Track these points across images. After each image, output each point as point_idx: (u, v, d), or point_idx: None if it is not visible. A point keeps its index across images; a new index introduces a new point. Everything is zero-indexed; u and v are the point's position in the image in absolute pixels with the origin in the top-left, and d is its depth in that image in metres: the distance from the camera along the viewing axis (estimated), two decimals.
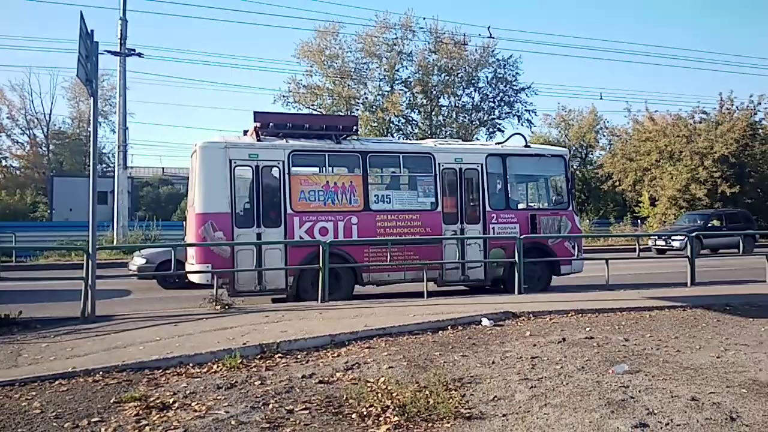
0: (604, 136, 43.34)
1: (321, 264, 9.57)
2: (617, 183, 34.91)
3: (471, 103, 36.64)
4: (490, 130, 36.84)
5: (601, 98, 40.63)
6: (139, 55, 23.12)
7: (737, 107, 33.05)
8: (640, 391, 4.78)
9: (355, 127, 11.45)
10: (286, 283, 10.19)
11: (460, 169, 11.41)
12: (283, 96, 34.65)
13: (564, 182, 12.32)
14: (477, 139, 35.11)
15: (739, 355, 6.04)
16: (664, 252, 22.10)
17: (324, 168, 10.90)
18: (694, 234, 14.17)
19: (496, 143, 13.48)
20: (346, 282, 10.55)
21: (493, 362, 5.88)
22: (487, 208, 11.44)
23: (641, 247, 22.01)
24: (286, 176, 10.24)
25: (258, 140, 10.43)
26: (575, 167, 39.17)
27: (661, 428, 3.97)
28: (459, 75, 35.15)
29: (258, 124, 10.48)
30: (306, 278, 10.28)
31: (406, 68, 35.46)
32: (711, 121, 33.15)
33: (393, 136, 36.18)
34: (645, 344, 6.60)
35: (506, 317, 8.29)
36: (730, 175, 30.63)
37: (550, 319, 8.19)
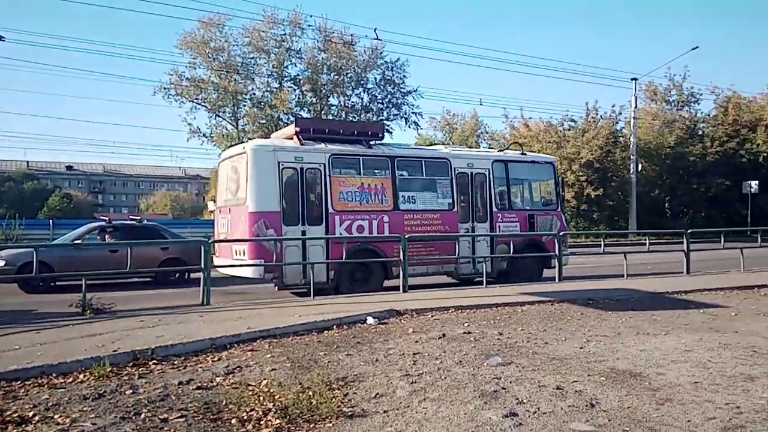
0: (484, 140, 45.57)
1: (202, 264, 9.25)
2: None
3: (360, 104, 36.98)
4: None
5: (481, 104, 42.80)
6: (0, 38, 21.06)
7: (601, 116, 36.06)
8: (511, 382, 5.07)
9: (381, 134, 12.50)
10: (327, 277, 10.92)
11: (471, 173, 12.70)
12: (164, 88, 33.10)
13: (553, 186, 13.93)
14: None
15: (600, 346, 6.57)
16: None
17: (359, 171, 11.62)
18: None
19: (498, 150, 15.08)
20: (377, 275, 11.43)
21: (377, 360, 5.98)
22: (494, 209, 12.81)
23: None
24: (328, 178, 11.09)
25: (301, 144, 11.14)
26: None
27: (529, 416, 4.24)
28: (348, 75, 35.33)
29: (299, 129, 11.31)
30: (344, 272, 11.04)
31: (295, 65, 35.13)
32: (578, 129, 35.91)
33: None
34: (517, 337, 7.01)
35: (391, 315, 8.47)
36: (594, 179, 33.34)
37: (432, 316, 8.47)
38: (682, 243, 14.19)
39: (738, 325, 7.71)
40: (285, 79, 34.85)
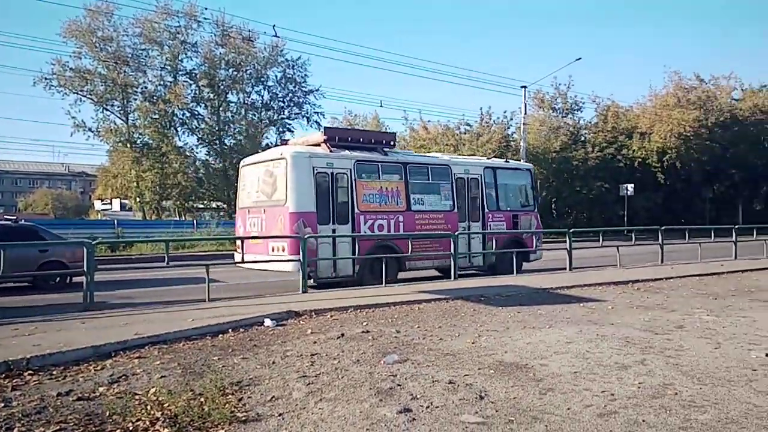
0: None
1: (85, 267, 8.68)
2: None
3: (261, 101, 36.31)
4: (280, 129, 36.94)
5: (381, 105, 43.50)
6: None
7: (494, 121, 37.74)
8: (406, 379, 5.19)
9: (393, 142, 13.84)
10: (353, 271, 12.12)
11: (467, 178, 14.27)
12: (46, 78, 30.78)
13: (531, 190, 15.91)
14: (266, 138, 35.03)
15: (490, 340, 6.88)
16: None
17: (378, 175, 12.83)
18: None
19: (486, 159, 17.38)
20: (392, 268, 12.48)
21: (274, 362, 5.90)
22: (486, 210, 14.41)
23: None
24: (353, 182, 12.25)
25: (330, 151, 12.21)
26: None
27: (422, 411, 4.36)
28: (248, 71, 34.56)
29: (327, 137, 12.54)
30: (366, 267, 12.26)
31: (191, 59, 33.89)
32: (474, 133, 37.36)
33: (177, 130, 34.33)
34: (413, 335, 7.18)
35: (289, 316, 8.38)
36: None
37: (331, 316, 8.48)
38: (565, 242, 15.15)
39: (614, 318, 8.35)
40: (180, 72, 33.57)
